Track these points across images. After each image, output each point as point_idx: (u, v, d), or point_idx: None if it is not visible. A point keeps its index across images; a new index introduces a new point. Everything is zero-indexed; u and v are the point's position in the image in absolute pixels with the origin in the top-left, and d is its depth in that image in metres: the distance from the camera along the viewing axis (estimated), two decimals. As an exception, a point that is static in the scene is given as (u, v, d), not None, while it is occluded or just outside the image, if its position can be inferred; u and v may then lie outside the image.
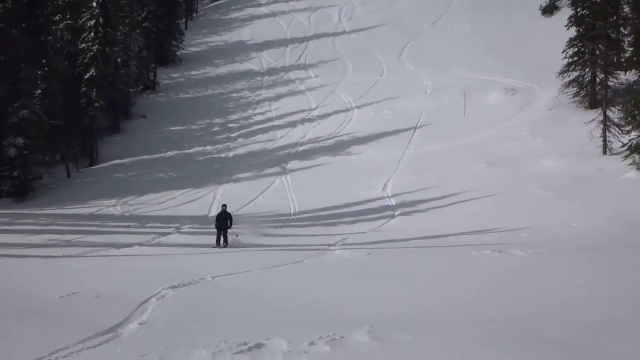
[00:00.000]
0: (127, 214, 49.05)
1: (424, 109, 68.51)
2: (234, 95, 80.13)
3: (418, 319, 19.20)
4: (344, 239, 38.61)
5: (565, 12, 77.67)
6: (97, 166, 65.47)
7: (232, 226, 39.86)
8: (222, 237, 39.17)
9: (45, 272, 28.50)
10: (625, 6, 64.07)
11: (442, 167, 54.94)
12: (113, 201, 53.08)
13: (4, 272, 28.75)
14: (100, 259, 32.83)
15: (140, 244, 37.67)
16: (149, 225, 44.18)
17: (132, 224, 45.18)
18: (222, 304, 22.09)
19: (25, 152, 58.19)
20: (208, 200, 52.30)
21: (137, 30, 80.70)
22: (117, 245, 36.82)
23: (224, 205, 40.81)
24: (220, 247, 38.45)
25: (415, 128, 64.97)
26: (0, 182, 58.77)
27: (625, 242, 34.50)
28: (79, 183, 60.90)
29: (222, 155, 64.71)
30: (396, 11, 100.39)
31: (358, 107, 71.50)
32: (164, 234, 40.74)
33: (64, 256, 33.50)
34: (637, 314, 18.56)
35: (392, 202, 49.14)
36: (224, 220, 39.59)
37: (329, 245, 36.82)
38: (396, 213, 46.24)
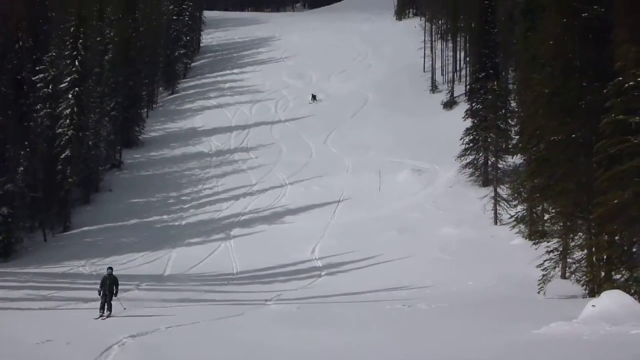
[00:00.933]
0: (94, 273, 48.37)
1: (345, 185, 68.71)
2: (186, 172, 79.83)
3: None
4: (278, 295, 38.47)
5: (463, 106, 78.82)
6: (69, 232, 64.67)
7: (118, 293, 31.94)
8: (106, 304, 31.11)
9: (24, 322, 28.09)
10: (512, 101, 65.03)
11: (360, 234, 55.01)
12: (82, 262, 52.43)
13: (-12, 323, 28.31)
14: (70, 312, 32.44)
15: (105, 299, 37.21)
16: (113, 282, 43.67)
17: (98, 281, 44.42)
18: (174, 351, 21.85)
19: (9, 219, 57.65)
20: (164, 261, 51.84)
21: (106, 118, 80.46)
22: (86, 300, 36.29)
23: (110, 268, 32.91)
24: (103, 318, 30.37)
25: (339, 201, 65.10)
26: (-13, 245, 58.22)
27: (510, 297, 34.83)
28: (54, 246, 60.14)
29: (176, 223, 64.28)
30: (323, 105, 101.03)
31: (291, 184, 71.51)
32: (126, 290, 40.07)
33: (40, 309, 33.04)
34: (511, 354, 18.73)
35: (319, 263, 49.08)
36: (109, 286, 31.60)
37: (266, 300, 36.67)
38: (322, 273, 46.20)
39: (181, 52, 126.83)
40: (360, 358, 19.98)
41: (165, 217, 66.14)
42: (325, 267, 47.84)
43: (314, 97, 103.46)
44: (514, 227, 49.69)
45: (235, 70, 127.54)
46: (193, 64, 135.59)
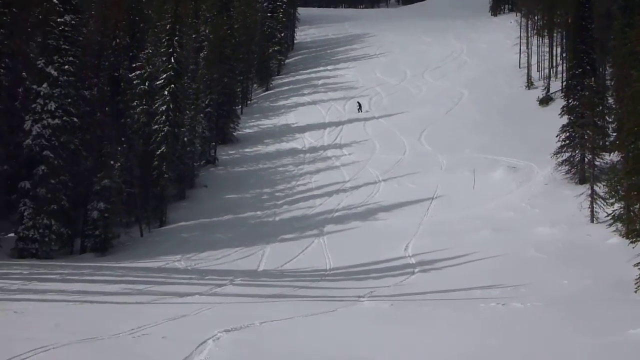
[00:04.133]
0: (189, 268, 49.05)
1: (439, 183, 68.37)
2: (280, 169, 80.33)
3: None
4: (371, 292, 38.41)
5: (559, 103, 77.81)
6: (165, 227, 65.52)
7: None
8: None
9: (120, 316, 28.55)
10: (609, 98, 64.06)
11: (454, 232, 54.70)
12: (178, 257, 53.08)
13: (85, 315, 28.84)
14: (166, 306, 32.81)
15: (200, 294, 37.52)
16: (207, 277, 44.08)
17: (193, 276, 45.12)
18: (268, 346, 22.04)
19: (106, 215, 58.58)
20: (257, 257, 52.17)
21: (201, 115, 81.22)
22: (181, 294, 36.75)
23: None
24: None
25: (432, 199, 64.82)
26: (85, 239, 59.23)
27: (606, 297, 34.30)
28: (150, 241, 61.00)
29: (270, 219, 64.75)
30: (416, 101, 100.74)
31: (384, 180, 71.42)
32: (220, 285, 40.61)
33: (136, 303, 33.53)
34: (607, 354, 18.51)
35: (412, 260, 48.88)
36: None
37: (359, 296, 36.65)
38: (416, 270, 45.96)
39: (275, 49, 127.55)
40: (455, 358, 19.92)
41: (259, 213, 66.61)
42: (418, 264, 47.60)
43: (360, 106, 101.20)
44: (610, 225, 48.85)
45: (329, 67, 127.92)
46: (287, 61, 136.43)
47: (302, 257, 51.78)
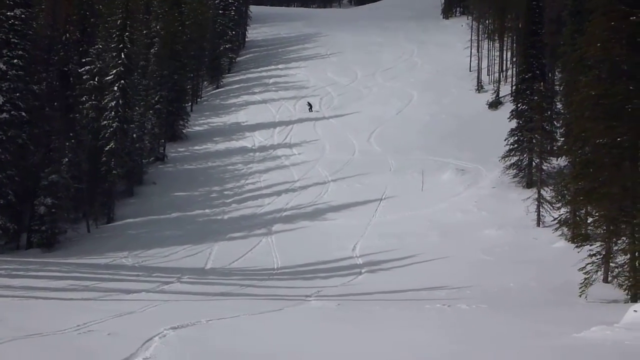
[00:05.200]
0: (136, 265, 48.82)
1: (388, 184, 68.71)
2: (230, 167, 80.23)
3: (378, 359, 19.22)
4: (318, 291, 38.50)
5: (508, 107, 78.26)
6: (113, 224, 65.27)
7: None
8: None
9: (66, 312, 28.36)
10: (558, 103, 64.71)
11: (402, 233, 54.99)
12: (125, 253, 52.85)
13: (31, 311, 28.66)
14: (112, 302, 32.66)
15: (147, 291, 37.41)
16: (154, 274, 43.95)
17: (140, 273, 44.91)
18: (214, 343, 22.02)
19: (53, 210, 58.32)
20: (205, 255, 52.08)
21: (151, 111, 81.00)
22: (127, 291, 36.60)
23: None
24: None
25: (381, 200, 65.12)
26: (32, 234, 58.81)
27: (551, 300, 34.78)
28: (97, 237, 60.69)
29: (219, 217, 64.70)
30: (366, 101, 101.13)
31: (334, 181, 71.66)
32: (167, 283, 40.50)
33: (82, 299, 33.34)
34: (551, 358, 18.75)
35: (360, 261, 49.05)
36: None
37: (306, 296, 36.72)
38: (363, 270, 46.15)
39: (226, 46, 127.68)
40: (399, 357, 20.03)
41: (207, 211, 66.53)
42: (366, 264, 47.83)
43: (310, 106, 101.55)
44: (556, 229, 49.51)
45: (280, 66, 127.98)
46: (238, 59, 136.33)
47: (250, 256, 51.78)
